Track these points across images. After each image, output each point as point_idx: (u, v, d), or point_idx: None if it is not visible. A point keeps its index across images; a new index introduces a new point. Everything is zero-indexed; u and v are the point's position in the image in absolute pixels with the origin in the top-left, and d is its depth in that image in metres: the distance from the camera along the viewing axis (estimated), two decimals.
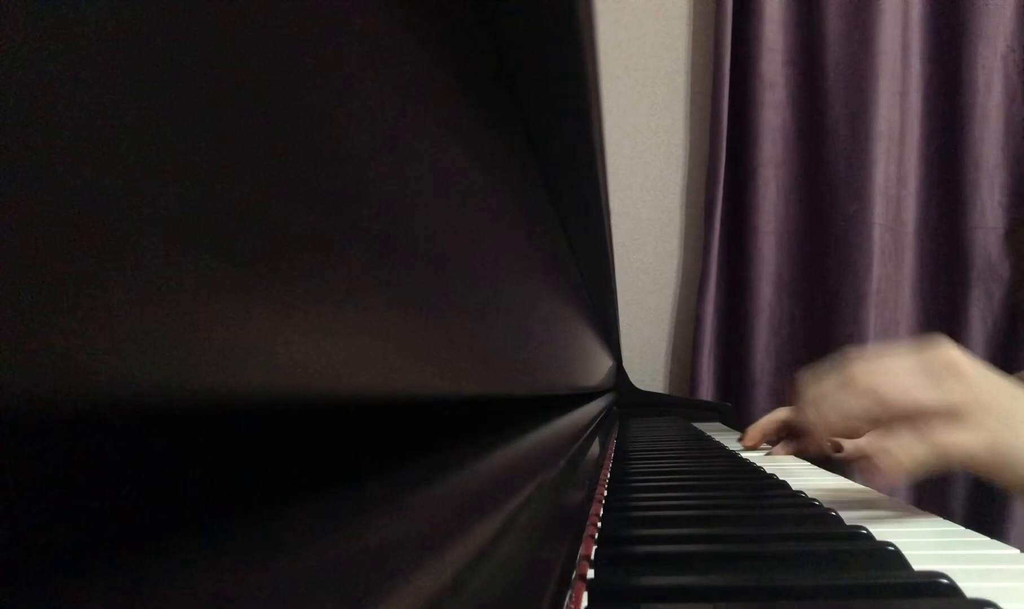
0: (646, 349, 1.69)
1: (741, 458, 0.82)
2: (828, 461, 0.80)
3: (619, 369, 1.52)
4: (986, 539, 0.45)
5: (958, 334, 1.58)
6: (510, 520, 0.25)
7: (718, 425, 1.41)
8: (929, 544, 0.45)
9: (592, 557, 0.38)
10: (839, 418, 0.54)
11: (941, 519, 0.51)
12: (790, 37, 1.61)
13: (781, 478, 0.66)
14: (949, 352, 0.52)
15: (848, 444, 0.67)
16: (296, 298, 0.12)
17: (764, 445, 0.97)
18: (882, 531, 0.42)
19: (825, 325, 1.60)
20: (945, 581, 0.32)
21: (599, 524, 0.45)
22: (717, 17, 1.60)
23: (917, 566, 0.36)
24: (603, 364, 1.01)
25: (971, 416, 0.49)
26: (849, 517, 0.48)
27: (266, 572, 0.11)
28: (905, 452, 0.49)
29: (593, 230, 0.51)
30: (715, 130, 1.60)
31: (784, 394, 1.48)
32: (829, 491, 0.62)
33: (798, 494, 0.58)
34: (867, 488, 0.65)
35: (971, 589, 0.31)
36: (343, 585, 0.13)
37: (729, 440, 1.12)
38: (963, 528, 0.48)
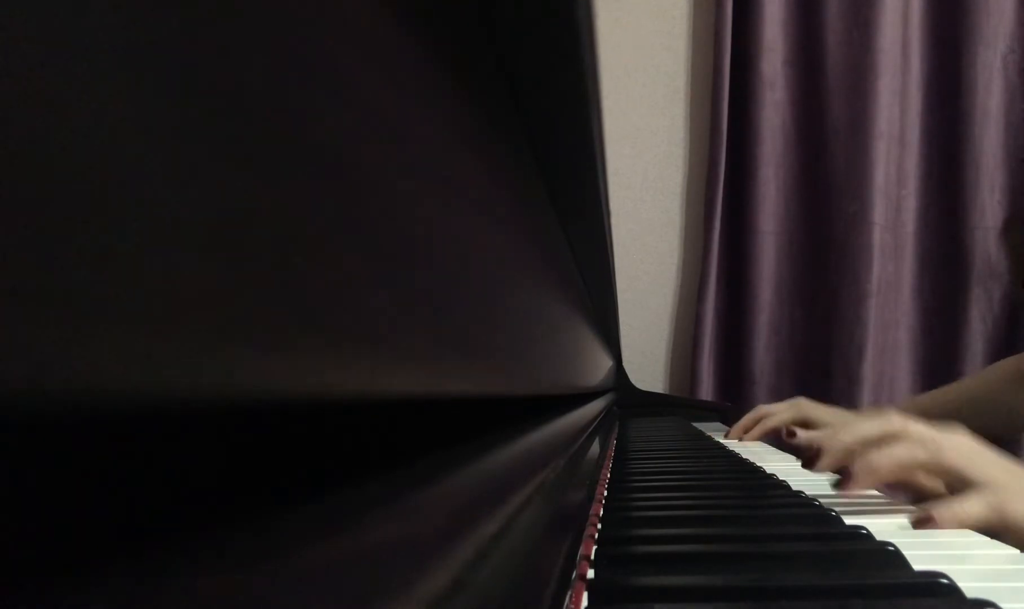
0: (646, 349, 1.69)
1: (741, 458, 0.82)
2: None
3: (619, 369, 1.52)
4: (986, 539, 0.45)
5: (958, 334, 1.58)
6: (510, 520, 0.25)
7: (718, 425, 1.41)
8: (929, 544, 0.45)
9: (592, 557, 0.38)
10: (892, 465, 0.56)
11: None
12: (790, 37, 1.61)
13: (781, 478, 0.66)
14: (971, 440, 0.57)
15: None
16: (296, 298, 0.12)
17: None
18: (882, 531, 0.42)
19: (825, 325, 1.60)
20: (945, 581, 0.32)
21: (599, 524, 0.45)
22: (717, 17, 1.60)
23: (917, 566, 0.36)
24: (603, 364, 1.01)
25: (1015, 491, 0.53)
26: (849, 517, 0.48)
27: (266, 572, 0.11)
28: (964, 507, 0.51)
29: (593, 230, 0.51)
30: (715, 130, 1.60)
31: (781, 393, 1.48)
32: (829, 491, 0.62)
33: (798, 494, 0.58)
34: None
35: (971, 589, 0.31)
36: (343, 585, 0.13)
37: (729, 440, 1.12)
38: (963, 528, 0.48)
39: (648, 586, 0.33)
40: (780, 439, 1.04)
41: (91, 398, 0.08)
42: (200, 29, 0.08)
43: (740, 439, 1.13)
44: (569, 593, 0.29)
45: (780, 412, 1.11)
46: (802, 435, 1.02)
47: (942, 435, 0.57)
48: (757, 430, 1.12)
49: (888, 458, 0.55)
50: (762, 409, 1.17)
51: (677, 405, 1.54)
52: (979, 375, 1.13)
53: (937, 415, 1.06)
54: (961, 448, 0.56)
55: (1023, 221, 1.06)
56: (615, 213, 1.10)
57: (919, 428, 0.58)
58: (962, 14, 1.58)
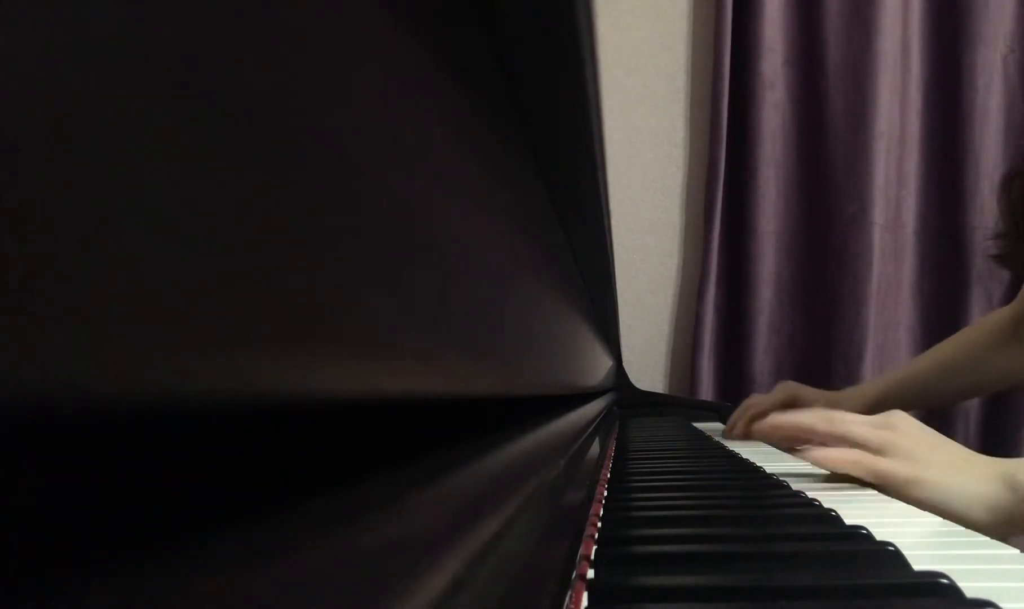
0: (646, 349, 1.69)
1: (741, 458, 0.82)
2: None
3: (619, 369, 1.52)
4: (986, 539, 0.45)
5: None
6: (510, 520, 0.25)
7: (718, 425, 1.41)
8: (929, 544, 0.45)
9: (592, 557, 0.38)
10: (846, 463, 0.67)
11: (941, 519, 0.51)
12: (790, 37, 1.61)
13: (781, 478, 0.66)
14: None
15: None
16: (296, 298, 0.12)
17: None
18: (882, 531, 0.42)
19: (825, 325, 1.60)
20: (945, 581, 0.32)
21: (599, 524, 0.45)
22: (717, 17, 1.60)
23: (917, 566, 0.36)
24: (603, 364, 1.01)
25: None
26: (849, 517, 0.48)
27: (266, 572, 0.11)
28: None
29: (593, 230, 0.51)
30: (715, 130, 1.60)
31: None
32: (829, 491, 0.62)
33: (798, 494, 0.58)
34: (867, 488, 0.65)
35: (971, 589, 0.31)
36: (343, 586, 0.13)
37: (729, 440, 1.12)
38: (963, 528, 0.48)
39: (648, 586, 0.33)
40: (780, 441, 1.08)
41: (92, 398, 0.08)
42: (198, 28, 0.08)
43: (735, 436, 1.15)
44: (569, 593, 0.29)
45: (766, 398, 1.16)
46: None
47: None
48: (743, 423, 1.14)
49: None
50: (753, 398, 1.19)
51: (677, 405, 1.54)
52: (959, 337, 1.14)
53: (929, 379, 1.10)
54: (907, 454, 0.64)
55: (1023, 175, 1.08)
56: (615, 213, 1.10)
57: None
58: (962, 14, 1.58)
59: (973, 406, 1.59)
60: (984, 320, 1.16)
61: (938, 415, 1.57)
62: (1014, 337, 1.05)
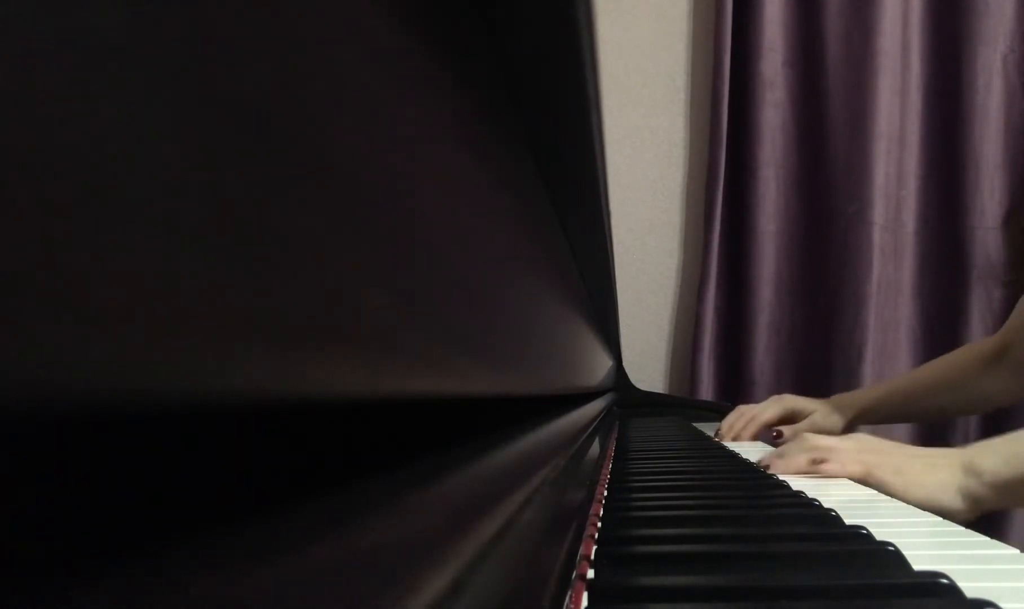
0: (646, 349, 1.69)
1: (741, 458, 0.82)
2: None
3: (619, 369, 1.52)
4: (986, 539, 0.45)
5: (958, 334, 1.58)
6: (510, 520, 0.25)
7: (718, 425, 1.41)
8: (929, 544, 0.45)
9: (592, 557, 0.38)
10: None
11: (941, 519, 0.51)
12: (790, 37, 1.61)
13: (781, 478, 0.66)
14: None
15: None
16: (296, 298, 0.12)
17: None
18: (882, 531, 0.42)
19: (825, 325, 1.60)
20: (945, 581, 0.32)
21: (599, 524, 0.45)
22: (717, 17, 1.59)
23: (916, 566, 0.36)
24: (603, 364, 1.01)
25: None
26: (849, 517, 0.48)
27: (266, 572, 0.11)
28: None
29: (593, 230, 0.51)
30: (715, 130, 1.60)
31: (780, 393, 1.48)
32: (829, 491, 0.62)
33: (798, 494, 0.58)
34: (866, 488, 0.65)
35: (971, 589, 0.31)
36: (343, 586, 0.13)
37: (729, 440, 1.12)
38: (963, 528, 0.48)
39: (648, 586, 0.33)
40: (774, 440, 1.09)
41: (91, 398, 0.08)
42: (200, 27, 0.08)
43: (733, 439, 1.16)
44: (569, 593, 0.29)
45: (765, 409, 1.18)
46: (787, 431, 1.11)
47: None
48: (749, 429, 1.16)
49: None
50: (743, 409, 1.21)
51: (677, 405, 1.54)
52: (949, 357, 1.19)
53: (918, 392, 1.14)
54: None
55: None
56: (615, 213, 1.10)
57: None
58: (962, 14, 1.58)
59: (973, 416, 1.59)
60: (976, 344, 1.22)
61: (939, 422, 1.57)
62: (998, 362, 1.10)
